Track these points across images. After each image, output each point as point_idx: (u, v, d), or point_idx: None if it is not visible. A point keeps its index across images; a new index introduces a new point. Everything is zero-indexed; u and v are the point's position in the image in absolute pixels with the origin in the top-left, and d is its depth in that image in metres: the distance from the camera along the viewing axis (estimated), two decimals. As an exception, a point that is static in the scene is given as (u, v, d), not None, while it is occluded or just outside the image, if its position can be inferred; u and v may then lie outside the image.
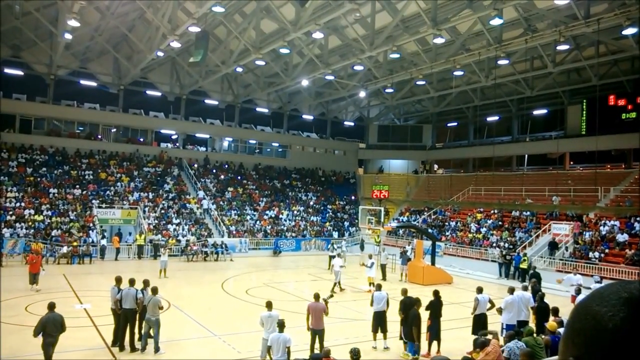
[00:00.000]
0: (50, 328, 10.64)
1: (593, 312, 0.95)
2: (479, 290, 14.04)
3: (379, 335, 13.57)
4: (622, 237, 26.33)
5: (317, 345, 11.99)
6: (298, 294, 21.55)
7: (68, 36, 30.46)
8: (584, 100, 37.53)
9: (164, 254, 25.34)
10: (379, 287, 14.48)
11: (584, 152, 37.12)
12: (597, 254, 25.68)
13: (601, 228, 27.98)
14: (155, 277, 22.48)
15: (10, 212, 30.85)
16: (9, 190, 32.64)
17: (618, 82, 34.19)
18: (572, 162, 40.93)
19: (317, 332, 12.07)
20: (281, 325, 10.37)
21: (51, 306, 11.10)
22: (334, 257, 29.60)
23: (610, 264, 24.59)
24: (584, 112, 37.35)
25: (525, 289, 15.23)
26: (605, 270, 24.05)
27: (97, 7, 32.07)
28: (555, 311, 12.29)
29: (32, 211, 31.62)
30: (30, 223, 30.54)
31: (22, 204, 31.93)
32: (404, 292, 13.52)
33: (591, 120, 35.10)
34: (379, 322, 13.56)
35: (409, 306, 13.01)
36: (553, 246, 27.87)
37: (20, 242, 28.25)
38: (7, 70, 37.94)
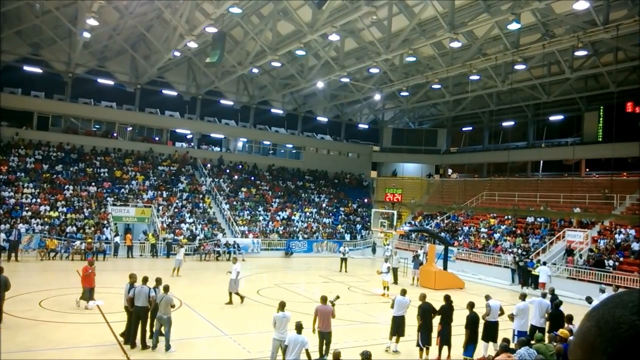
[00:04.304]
0: None
1: (629, 321, 0.93)
2: (487, 297, 13.97)
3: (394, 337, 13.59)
4: (637, 246, 25.99)
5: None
6: (309, 296, 21.56)
7: (87, 35, 30.81)
8: (601, 107, 37.15)
9: (180, 253, 25.50)
10: (403, 293, 14.32)
11: (600, 159, 36.74)
12: (611, 262, 25.37)
13: (616, 236, 27.66)
14: (168, 275, 22.61)
15: (27, 208, 31.26)
16: (26, 186, 33.07)
17: (636, 89, 33.68)
18: (587, 169, 40.50)
19: (325, 335, 12.05)
20: (299, 327, 10.33)
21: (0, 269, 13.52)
22: (345, 259, 29.69)
23: (625, 272, 24.28)
24: (601, 119, 36.96)
25: (544, 295, 15.14)
26: (619, 279, 23.77)
27: (116, 6, 32.43)
28: (570, 319, 12.17)
29: (48, 207, 32.00)
30: (45, 219, 30.91)
31: (38, 200, 32.34)
32: (422, 297, 13.43)
33: (608, 127, 34.72)
34: (397, 327, 13.55)
35: (427, 312, 12.98)
36: (570, 252, 27.62)
37: (36, 238, 28.60)
38: (27, 68, 38.44)
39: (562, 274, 26.50)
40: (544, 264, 25.52)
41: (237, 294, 18.64)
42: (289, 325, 11.23)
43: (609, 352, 0.93)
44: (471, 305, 12.88)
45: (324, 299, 12.33)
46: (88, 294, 16.25)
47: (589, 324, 0.99)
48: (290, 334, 10.48)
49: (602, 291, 18.06)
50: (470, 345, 12.60)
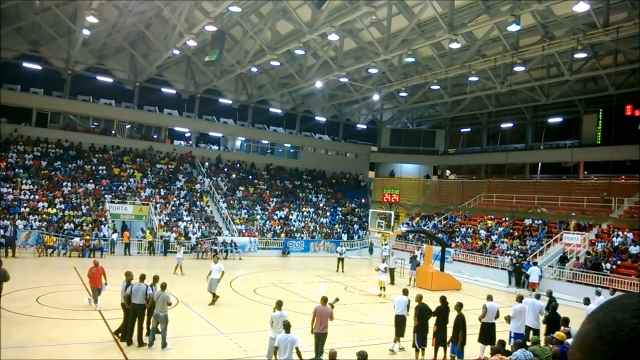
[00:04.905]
0: None
1: (630, 324, 0.92)
2: (489, 298, 13.96)
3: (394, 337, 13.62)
4: (635, 249, 26.02)
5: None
6: (306, 295, 21.56)
7: (86, 32, 30.77)
8: (600, 110, 37.17)
9: (180, 251, 25.45)
10: (405, 292, 14.40)
11: (599, 161, 36.77)
12: (608, 265, 25.40)
13: (614, 239, 27.69)
14: (166, 273, 22.52)
15: (25, 205, 31.20)
16: (24, 182, 33.03)
17: (635, 92, 33.69)
18: (586, 172, 40.51)
19: (320, 335, 12.04)
20: (287, 326, 10.33)
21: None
22: (342, 259, 29.69)
23: (622, 275, 24.29)
24: (600, 122, 36.99)
25: (537, 297, 15.15)
26: (616, 282, 23.79)
27: (115, 4, 32.40)
28: (566, 321, 12.18)
29: (46, 204, 31.95)
30: (43, 216, 30.86)
31: (36, 197, 32.28)
32: (419, 298, 13.41)
33: (607, 130, 34.74)
34: (396, 326, 13.60)
35: (424, 313, 12.98)
36: (563, 259, 27.66)
37: (34, 235, 28.57)
38: (26, 65, 38.39)
39: (561, 277, 26.54)
40: (535, 264, 26.09)
41: (213, 294, 18.27)
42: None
43: (609, 356, 0.92)
44: (459, 306, 12.84)
45: (323, 300, 12.30)
46: (96, 293, 16.26)
47: (589, 327, 0.97)
48: (281, 334, 10.44)
49: (599, 294, 18.09)
50: (461, 346, 12.58)
